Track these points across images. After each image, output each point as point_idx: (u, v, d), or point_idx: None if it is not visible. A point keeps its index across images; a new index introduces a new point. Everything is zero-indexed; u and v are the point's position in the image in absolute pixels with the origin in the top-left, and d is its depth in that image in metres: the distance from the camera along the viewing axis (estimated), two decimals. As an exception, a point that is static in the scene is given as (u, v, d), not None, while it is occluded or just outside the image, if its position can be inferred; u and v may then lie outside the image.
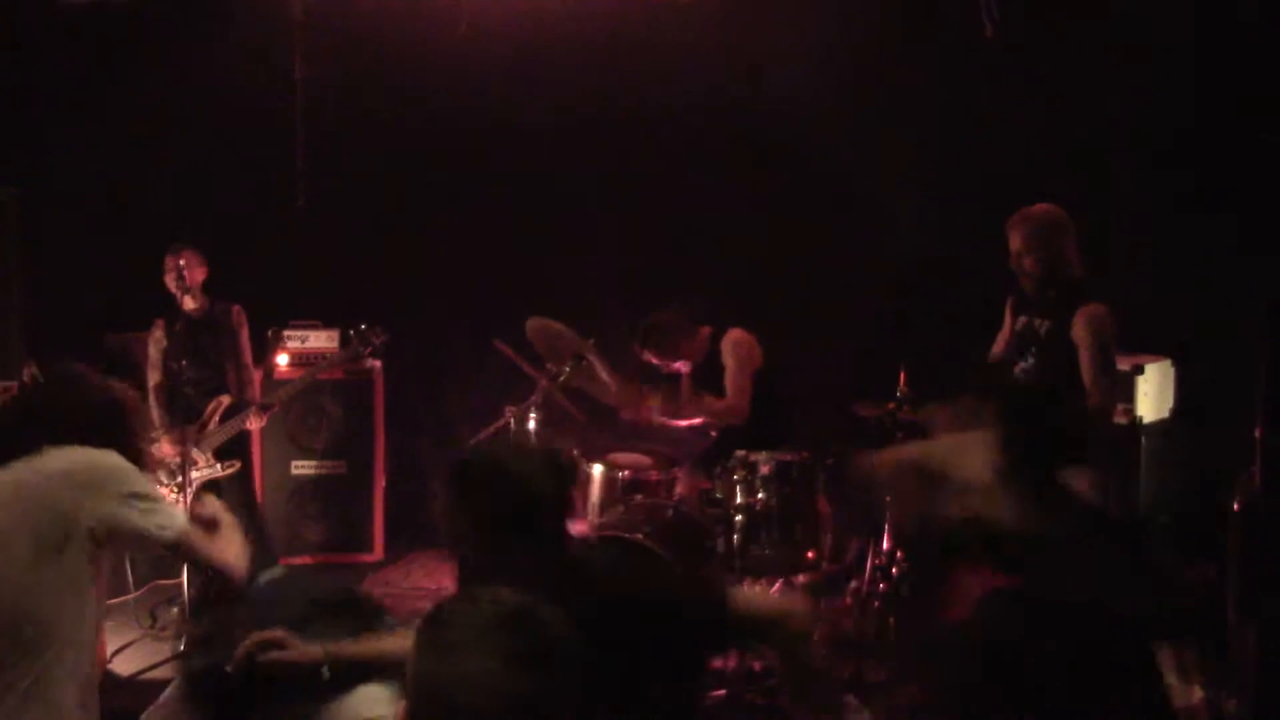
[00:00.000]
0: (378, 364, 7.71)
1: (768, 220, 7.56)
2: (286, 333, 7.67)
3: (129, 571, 7.01)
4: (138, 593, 7.07)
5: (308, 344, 7.76)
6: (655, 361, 6.63)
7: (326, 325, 7.80)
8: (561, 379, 6.52)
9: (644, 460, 6.41)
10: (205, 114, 7.96)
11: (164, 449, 6.68)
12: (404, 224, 8.06)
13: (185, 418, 6.55)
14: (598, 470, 6.30)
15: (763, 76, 7.40)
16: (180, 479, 6.38)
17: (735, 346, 6.54)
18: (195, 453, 6.62)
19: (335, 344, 7.72)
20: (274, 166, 8.04)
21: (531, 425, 6.65)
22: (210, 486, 6.61)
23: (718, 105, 7.55)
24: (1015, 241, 5.55)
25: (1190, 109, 6.81)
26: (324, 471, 7.78)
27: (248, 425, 6.96)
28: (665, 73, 7.55)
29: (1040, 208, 5.54)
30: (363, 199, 8.10)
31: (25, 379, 6.70)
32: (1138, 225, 6.91)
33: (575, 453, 6.50)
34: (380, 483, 7.85)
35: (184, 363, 6.72)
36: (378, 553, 7.88)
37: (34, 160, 7.96)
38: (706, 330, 6.61)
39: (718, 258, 7.58)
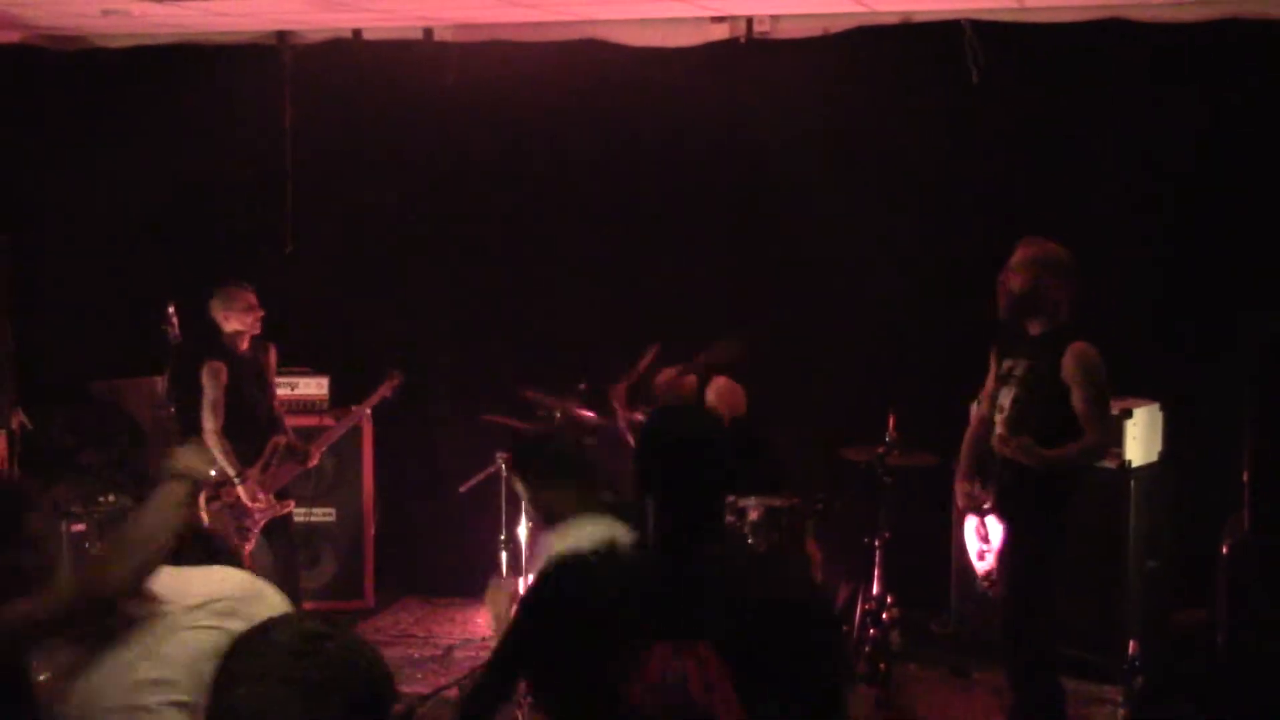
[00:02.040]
0: (367, 410, 7.70)
1: (755, 264, 7.55)
2: (277, 379, 7.64)
3: None
4: None
5: (297, 390, 7.74)
6: (635, 417, 6.54)
7: (316, 372, 7.79)
8: (556, 423, 6.53)
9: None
10: (195, 161, 7.99)
11: (243, 495, 6.66)
12: (392, 270, 8.07)
13: (249, 458, 6.67)
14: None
15: (748, 123, 7.43)
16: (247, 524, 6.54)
17: (719, 394, 6.45)
18: (260, 495, 6.70)
19: (325, 390, 7.72)
20: (263, 213, 8.07)
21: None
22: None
23: (704, 153, 7.55)
24: (1015, 255, 5.51)
25: (1180, 153, 6.84)
26: (314, 519, 7.75)
27: (310, 464, 7.00)
28: (653, 120, 7.58)
29: (1055, 244, 5.48)
30: (351, 245, 8.12)
31: (14, 426, 6.69)
32: (1125, 269, 6.91)
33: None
34: (370, 530, 7.82)
35: (247, 404, 6.72)
36: (368, 600, 7.84)
37: (23, 207, 8.01)
38: (693, 379, 6.57)
39: (705, 301, 7.57)
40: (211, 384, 6.58)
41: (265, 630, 2.26)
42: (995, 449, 5.55)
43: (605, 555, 3.24)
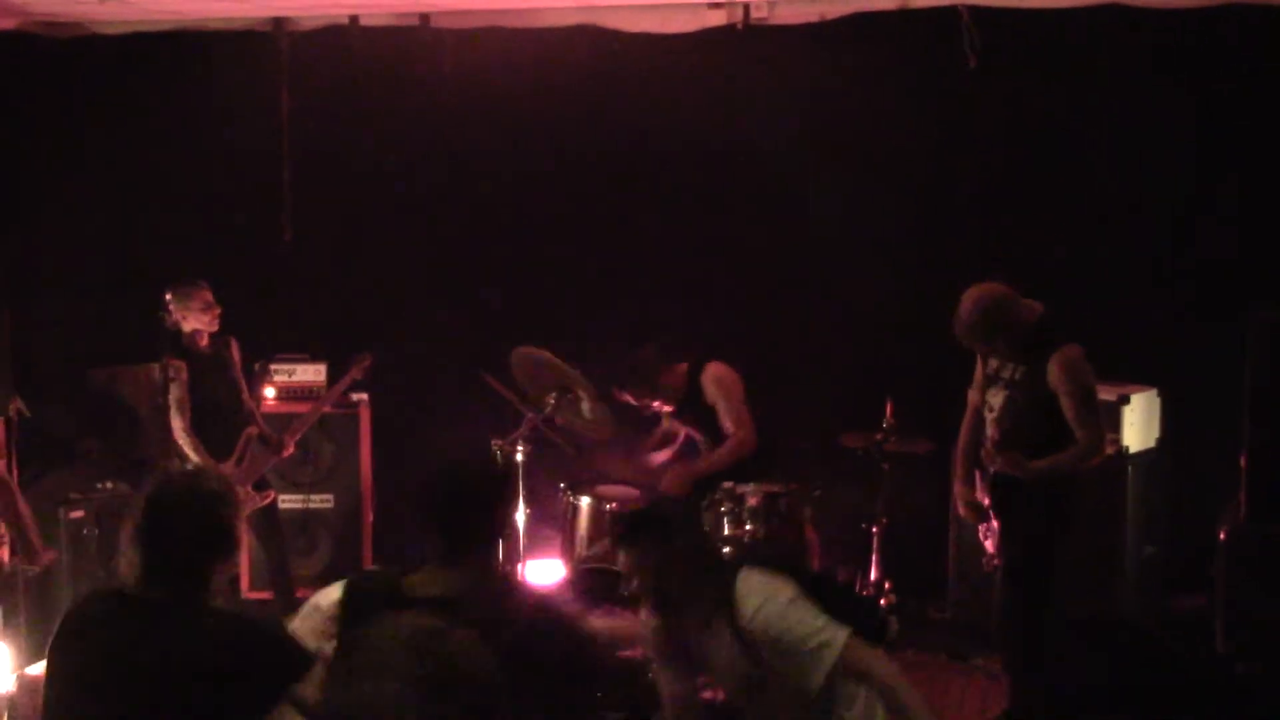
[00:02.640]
0: (364, 397, 7.69)
1: (752, 252, 7.55)
2: (274, 366, 7.66)
3: None
4: None
5: (295, 377, 7.73)
6: (634, 403, 6.58)
7: (314, 359, 7.79)
8: (547, 412, 6.47)
9: (631, 493, 6.39)
10: (192, 148, 8.00)
11: None
12: (390, 257, 8.06)
13: (221, 453, 6.68)
14: (585, 503, 6.31)
15: (745, 110, 7.42)
16: None
17: (718, 382, 6.44)
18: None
19: (323, 377, 7.71)
20: (260, 201, 8.06)
21: (519, 458, 6.56)
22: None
23: (701, 139, 7.53)
24: (973, 345, 5.52)
25: (1180, 139, 6.83)
26: (311, 505, 7.75)
27: (284, 454, 7.01)
28: (650, 107, 7.57)
29: (969, 304, 5.41)
30: (349, 233, 8.11)
31: (11, 414, 6.68)
32: (1123, 255, 6.92)
33: (562, 485, 6.50)
34: (369, 516, 7.82)
35: (210, 398, 6.73)
36: (365, 587, 7.82)
37: (20, 195, 8.00)
38: (683, 367, 6.51)
39: (703, 290, 7.58)
40: (173, 384, 6.61)
41: (383, 626, 2.24)
42: (985, 462, 5.60)
43: None
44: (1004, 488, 5.60)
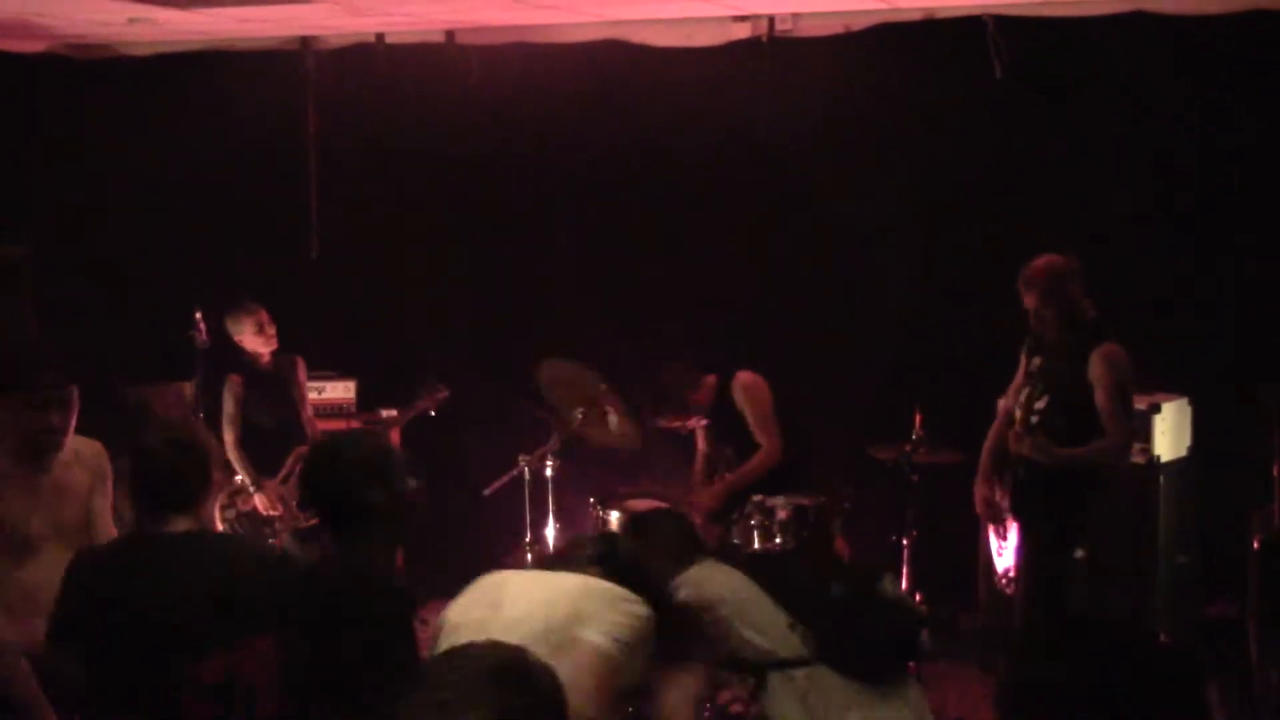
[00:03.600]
0: (394, 413, 7.69)
1: (779, 263, 7.52)
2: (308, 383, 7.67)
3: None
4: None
5: (324, 394, 7.75)
6: (671, 425, 6.55)
7: (343, 375, 7.81)
8: (575, 427, 6.50)
9: (660, 506, 6.37)
10: (219, 167, 8.03)
11: (259, 503, 6.84)
12: (417, 274, 8.07)
13: (263, 470, 6.84)
14: (614, 517, 6.28)
15: (770, 123, 7.38)
16: (267, 532, 6.64)
17: (746, 390, 6.42)
18: (279, 504, 6.83)
19: (352, 394, 7.73)
20: (288, 217, 8.11)
21: (549, 473, 6.65)
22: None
23: (727, 152, 7.51)
24: (1031, 299, 5.57)
25: (1208, 147, 6.75)
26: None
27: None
28: (676, 121, 7.54)
29: (1044, 260, 5.56)
30: (376, 250, 8.12)
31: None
32: (1153, 263, 6.85)
33: (592, 500, 6.50)
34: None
35: (264, 415, 6.89)
36: (396, 603, 7.80)
37: (46, 216, 8.04)
38: (712, 379, 6.48)
39: (730, 302, 7.55)
40: (228, 398, 6.83)
41: (466, 657, 2.16)
42: (1010, 447, 5.59)
43: None
44: (1024, 490, 5.61)
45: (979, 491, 5.88)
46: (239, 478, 6.92)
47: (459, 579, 3.48)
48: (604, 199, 7.78)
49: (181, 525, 3.76)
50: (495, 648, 2.18)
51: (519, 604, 3.40)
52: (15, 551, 4.25)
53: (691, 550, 4.35)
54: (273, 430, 6.94)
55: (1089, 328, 5.50)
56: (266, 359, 6.94)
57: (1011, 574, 5.84)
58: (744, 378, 6.46)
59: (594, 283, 7.81)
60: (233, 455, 6.84)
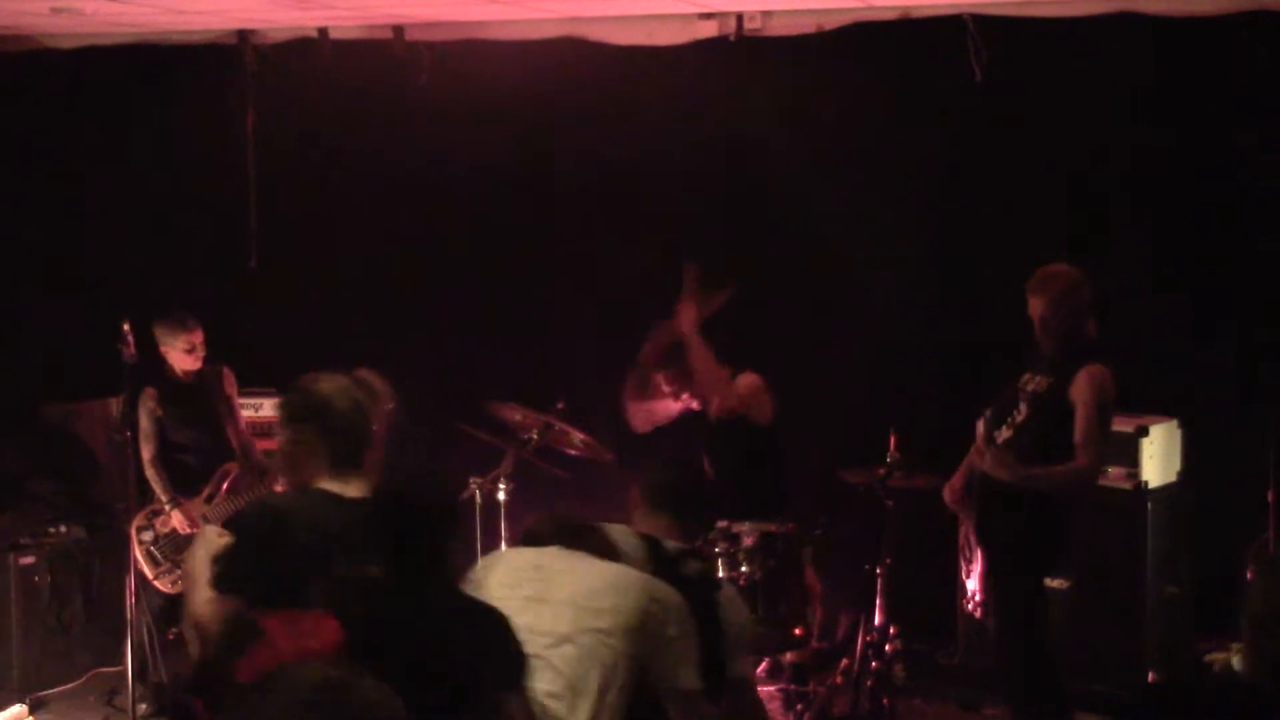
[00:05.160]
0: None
1: (747, 274, 7.32)
2: (240, 400, 7.39)
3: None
4: (80, 681, 6.83)
5: (261, 412, 7.53)
6: (667, 389, 6.40)
7: (281, 392, 7.48)
8: (530, 446, 6.42)
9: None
10: (151, 169, 7.95)
11: (174, 522, 6.59)
12: (362, 285, 7.98)
13: (188, 489, 6.59)
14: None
15: (738, 126, 7.27)
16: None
17: (748, 389, 6.33)
18: (199, 523, 6.53)
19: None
20: (225, 224, 8.02)
21: (501, 496, 6.47)
22: None
23: (692, 157, 7.40)
24: (1040, 305, 5.47)
25: (1197, 155, 6.64)
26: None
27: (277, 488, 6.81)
28: (638, 123, 7.44)
29: (1059, 268, 5.51)
30: (318, 258, 8.02)
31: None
32: (1138, 279, 6.71)
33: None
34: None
35: (185, 431, 6.66)
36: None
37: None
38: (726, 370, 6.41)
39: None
40: (142, 413, 6.61)
41: (284, 676, 2.21)
42: (974, 464, 5.55)
43: None
44: (983, 509, 5.59)
45: (949, 485, 5.83)
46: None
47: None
48: (562, 204, 7.70)
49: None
50: (311, 671, 2.21)
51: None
52: None
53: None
54: (193, 446, 6.71)
55: (1083, 344, 5.40)
56: (191, 373, 6.74)
57: (978, 597, 5.85)
58: (749, 380, 6.37)
59: (552, 291, 7.72)
60: (149, 472, 6.58)
